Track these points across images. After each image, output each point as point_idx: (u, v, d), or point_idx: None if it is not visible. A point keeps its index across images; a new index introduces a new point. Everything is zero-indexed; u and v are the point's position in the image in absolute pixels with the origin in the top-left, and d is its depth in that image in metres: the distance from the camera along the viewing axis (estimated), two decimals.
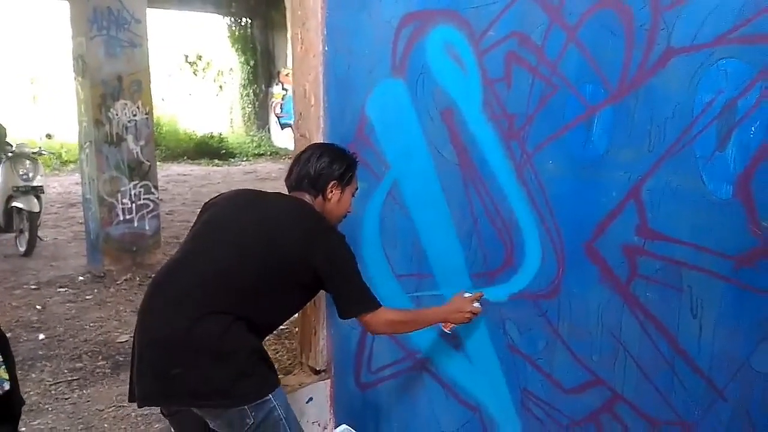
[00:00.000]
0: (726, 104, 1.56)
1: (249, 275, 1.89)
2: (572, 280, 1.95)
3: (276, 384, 1.93)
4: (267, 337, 2.10)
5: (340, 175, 2.09)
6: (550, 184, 1.96)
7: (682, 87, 1.62)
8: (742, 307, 1.60)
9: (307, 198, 2.07)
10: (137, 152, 5.93)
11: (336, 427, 2.64)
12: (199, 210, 2.13)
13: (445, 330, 2.25)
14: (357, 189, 2.20)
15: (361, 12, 2.45)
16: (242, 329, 1.86)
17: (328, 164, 2.08)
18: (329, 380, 2.88)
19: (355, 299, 2.00)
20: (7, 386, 1.88)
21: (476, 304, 2.16)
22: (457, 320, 2.16)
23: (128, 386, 1.95)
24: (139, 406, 1.92)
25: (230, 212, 2.04)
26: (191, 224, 2.11)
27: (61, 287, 5.56)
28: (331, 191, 2.08)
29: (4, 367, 1.89)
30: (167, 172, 12.43)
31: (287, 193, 2.13)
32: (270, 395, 1.87)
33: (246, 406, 1.82)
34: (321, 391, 2.85)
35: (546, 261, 2.01)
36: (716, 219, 1.61)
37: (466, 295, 2.18)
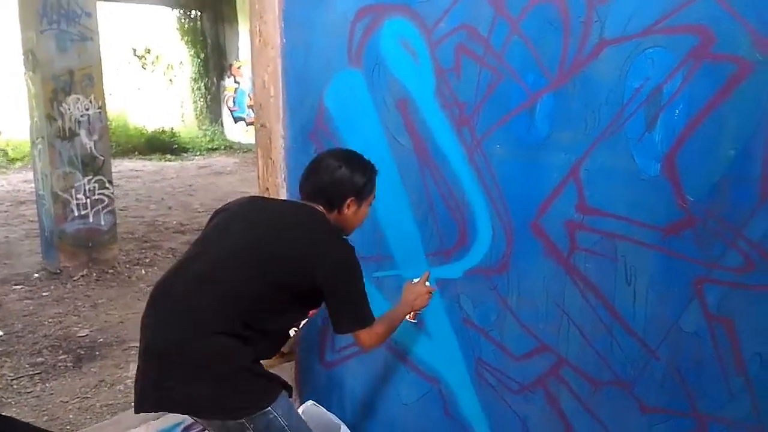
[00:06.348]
0: (653, 90, 1.71)
1: (246, 289, 1.83)
2: (520, 256, 2.09)
3: (274, 396, 1.86)
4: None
5: (359, 190, 1.99)
6: (498, 167, 2.10)
7: (614, 74, 1.77)
8: (671, 273, 1.75)
9: (320, 209, 1.99)
10: (91, 147, 5.86)
11: (302, 403, 2.75)
12: (202, 214, 1.98)
13: (411, 320, 2.25)
14: (374, 198, 2.10)
15: (318, 6, 2.53)
16: (236, 348, 1.81)
17: (348, 178, 1.97)
18: (293, 361, 2.98)
19: (352, 315, 1.95)
20: None
21: (428, 284, 2.22)
22: (419, 305, 2.16)
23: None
24: (135, 412, 1.87)
25: (236, 221, 1.96)
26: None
27: (16, 284, 5.49)
28: (348, 207, 1.99)
29: None
30: (119, 167, 12.16)
31: (299, 201, 2.05)
32: (269, 407, 1.83)
33: (243, 419, 1.80)
34: (286, 372, 2.94)
35: (496, 238, 2.15)
36: (646, 194, 1.76)
37: (415, 281, 2.22)
